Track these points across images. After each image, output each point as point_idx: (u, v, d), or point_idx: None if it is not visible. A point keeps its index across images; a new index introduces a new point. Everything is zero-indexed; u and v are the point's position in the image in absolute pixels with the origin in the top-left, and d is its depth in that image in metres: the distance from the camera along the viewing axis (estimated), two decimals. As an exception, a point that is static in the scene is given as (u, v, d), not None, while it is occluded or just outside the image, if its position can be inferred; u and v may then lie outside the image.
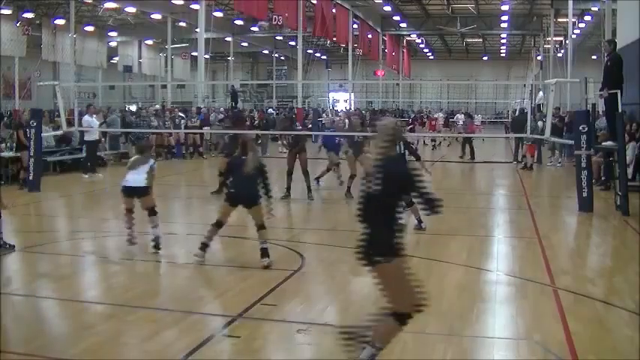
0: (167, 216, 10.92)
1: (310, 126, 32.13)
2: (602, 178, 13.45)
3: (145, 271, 7.10)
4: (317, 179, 13.33)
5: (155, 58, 48.22)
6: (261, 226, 7.27)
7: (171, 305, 5.65)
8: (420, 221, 8.86)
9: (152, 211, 7.86)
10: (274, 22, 29.60)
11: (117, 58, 44.55)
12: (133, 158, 8.21)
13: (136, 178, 7.79)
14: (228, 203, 7.36)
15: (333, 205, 11.76)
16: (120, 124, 19.08)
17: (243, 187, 7.24)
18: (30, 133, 13.01)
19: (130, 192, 7.77)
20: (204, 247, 7.24)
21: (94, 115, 16.76)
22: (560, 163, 18.80)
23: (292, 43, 45.08)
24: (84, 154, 16.02)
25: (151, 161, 8.00)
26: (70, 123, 16.79)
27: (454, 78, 52.88)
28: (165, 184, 14.06)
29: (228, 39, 44.58)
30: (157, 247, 7.72)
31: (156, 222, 7.85)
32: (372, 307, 5.67)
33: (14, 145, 13.91)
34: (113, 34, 42.89)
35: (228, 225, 10.06)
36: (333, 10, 35.80)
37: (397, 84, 51.98)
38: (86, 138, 15.86)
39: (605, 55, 12.36)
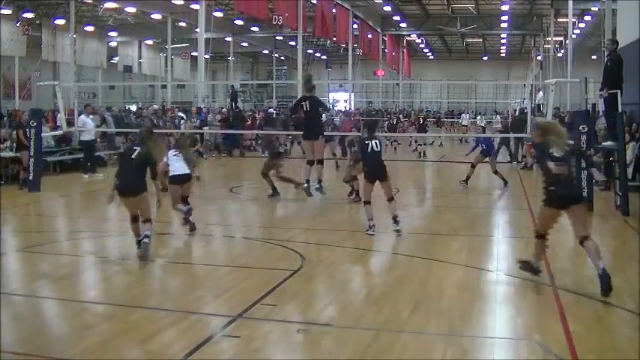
0: (167, 216, 10.93)
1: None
2: (602, 178, 13.43)
3: (145, 271, 7.09)
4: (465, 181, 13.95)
5: (155, 58, 48.24)
6: (146, 220, 7.27)
7: (171, 305, 5.65)
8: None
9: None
10: (274, 22, 29.60)
11: (117, 58, 44.57)
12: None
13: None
14: (117, 193, 7.40)
15: (333, 205, 11.74)
16: (113, 123, 19.02)
17: (127, 178, 7.35)
18: (30, 133, 13.01)
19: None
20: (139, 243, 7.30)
21: (91, 116, 16.74)
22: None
23: (292, 43, 45.09)
24: (83, 154, 16.02)
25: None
26: (69, 123, 16.81)
27: (454, 78, 52.89)
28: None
29: (228, 39, 44.60)
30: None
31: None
32: (372, 306, 5.69)
33: (14, 145, 13.91)
34: (113, 34, 42.90)
35: (227, 225, 10.12)
36: (333, 10, 35.81)
37: (397, 84, 52.00)
38: (82, 138, 15.88)
39: (606, 53, 12.36)
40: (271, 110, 31.76)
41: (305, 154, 11.23)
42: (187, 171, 9.08)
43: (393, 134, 25.74)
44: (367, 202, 8.57)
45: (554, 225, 6.42)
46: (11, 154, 13.92)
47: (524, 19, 44.73)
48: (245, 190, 13.96)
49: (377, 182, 8.55)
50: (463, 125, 34.23)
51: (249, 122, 25.23)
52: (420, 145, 22.95)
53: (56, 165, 16.29)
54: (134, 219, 7.35)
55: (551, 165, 6.17)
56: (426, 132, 25.72)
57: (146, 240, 7.17)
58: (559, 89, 25.52)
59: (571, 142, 7.57)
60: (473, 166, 14.07)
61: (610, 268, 7.36)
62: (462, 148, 24.87)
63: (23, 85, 33.91)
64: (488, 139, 14.67)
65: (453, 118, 42.20)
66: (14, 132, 14.08)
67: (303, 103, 10.74)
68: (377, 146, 8.48)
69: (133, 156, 7.45)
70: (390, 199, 8.61)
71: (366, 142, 8.52)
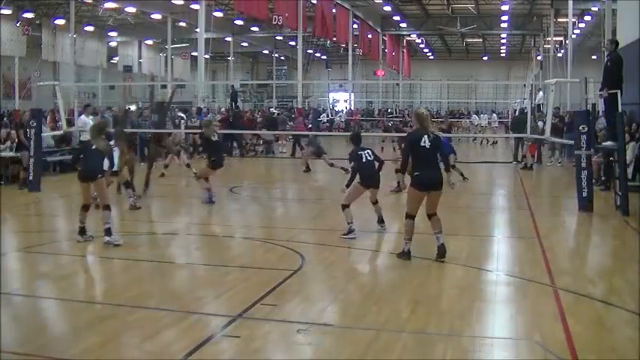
0: (167, 216, 10.95)
1: (310, 126, 32.17)
2: (602, 178, 13.45)
3: (145, 271, 7.10)
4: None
5: (155, 58, 48.25)
6: (105, 207, 8.00)
7: (171, 305, 5.65)
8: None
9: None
10: (274, 22, 29.63)
11: (117, 58, 44.59)
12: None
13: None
14: (80, 181, 8.23)
15: (333, 205, 11.73)
16: (112, 123, 18.94)
17: (86, 166, 8.14)
18: (30, 133, 13.00)
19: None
20: (82, 230, 8.13)
21: (91, 116, 16.74)
22: (560, 163, 18.80)
23: (292, 43, 45.11)
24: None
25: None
26: (69, 123, 16.80)
27: (454, 78, 52.89)
28: (165, 184, 14.07)
29: (228, 39, 44.62)
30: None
31: None
32: (372, 306, 5.69)
33: (14, 145, 13.91)
34: (113, 34, 42.93)
35: (227, 225, 10.12)
36: (333, 10, 35.84)
37: (397, 84, 52.02)
38: (81, 138, 15.89)
39: (606, 54, 12.36)
40: (273, 110, 31.82)
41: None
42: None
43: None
44: (347, 206, 8.63)
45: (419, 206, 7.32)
46: (11, 154, 13.91)
47: (524, 19, 44.75)
48: (245, 190, 13.97)
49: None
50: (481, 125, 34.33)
51: (245, 121, 25.18)
52: None
53: (56, 165, 16.28)
54: (85, 207, 8.13)
55: (420, 152, 7.13)
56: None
57: (108, 238, 7.88)
58: (559, 89, 25.53)
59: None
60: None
61: (610, 268, 7.42)
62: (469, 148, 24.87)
63: (23, 85, 33.89)
64: (447, 138, 14.64)
65: (453, 118, 42.21)
66: (12, 131, 14.08)
67: None
68: (370, 156, 8.80)
69: (92, 147, 8.18)
70: (375, 202, 8.98)
71: (359, 153, 8.80)
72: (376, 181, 8.84)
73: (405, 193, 9.90)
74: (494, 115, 36.66)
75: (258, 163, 21.28)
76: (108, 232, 7.87)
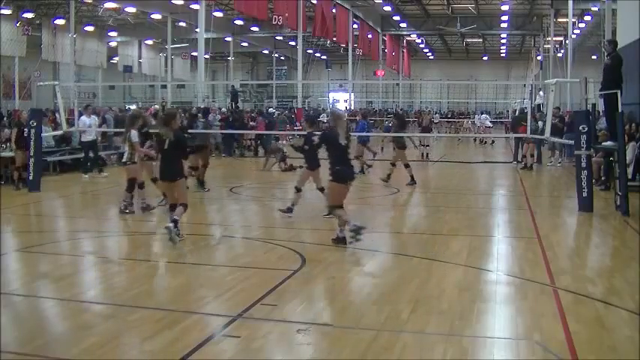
0: (167, 216, 10.93)
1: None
2: (602, 178, 13.45)
3: (145, 271, 7.09)
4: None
5: (155, 58, 48.29)
6: (182, 204, 8.00)
7: (171, 305, 5.65)
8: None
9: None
10: (274, 22, 29.66)
11: (117, 58, 44.61)
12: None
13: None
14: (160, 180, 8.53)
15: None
16: (113, 123, 18.96)
17: (163, 165, 8.23)
18: (30, 133, 12.99)
19: None
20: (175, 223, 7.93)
21: (92, 116, 16.75)
22: (560, 163, 18.80)
23: (292, 43, 45.14)
24: (83, 155, 16.03)
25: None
26: (69, 123, 16.82)
27: (454, 78, 52.89)
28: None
29: (228, 39, 44.64)
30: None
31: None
32: (372, 306, 5.69)
33: (13, 145, 13.89)
34: (113, 34, 42.97)
35: (227, 225, 10.13)
36: (333, 10, 35.87)
37: (397, 84, 52.05)
38: (82, 139, 15.91)
39: (606, 55, 12.35)
40: (272, 111, 31.83)
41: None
42: (124, 158, 10.51)
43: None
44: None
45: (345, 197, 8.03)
46: (11, 154, 13.91)
47: (524, 19, 44.81)
48: (245, 190, 13.96)
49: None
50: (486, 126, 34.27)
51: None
52: (426, 146, 22.46)
53: (56, 165, 16.29)
54: (172, 206, 8.13)
55: (339, 149, 7.85)
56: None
57: (169, 226, 7.81)
58: (559, 89, 25.55)
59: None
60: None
61: (610, 268, 7.41)
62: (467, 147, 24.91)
63: (23, 85, 33.93)
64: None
65: (452, 118, 42.23)
66: (12, 131, 14.07)
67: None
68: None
69: (165, 147, 8.02)
70: (322, 189, 9.90)
71: (313, 137, 9.86)
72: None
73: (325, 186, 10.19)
74: (484, 115, 36.39)
75: (258, 163, 21.23)
76: (175, 222, 7.89)
